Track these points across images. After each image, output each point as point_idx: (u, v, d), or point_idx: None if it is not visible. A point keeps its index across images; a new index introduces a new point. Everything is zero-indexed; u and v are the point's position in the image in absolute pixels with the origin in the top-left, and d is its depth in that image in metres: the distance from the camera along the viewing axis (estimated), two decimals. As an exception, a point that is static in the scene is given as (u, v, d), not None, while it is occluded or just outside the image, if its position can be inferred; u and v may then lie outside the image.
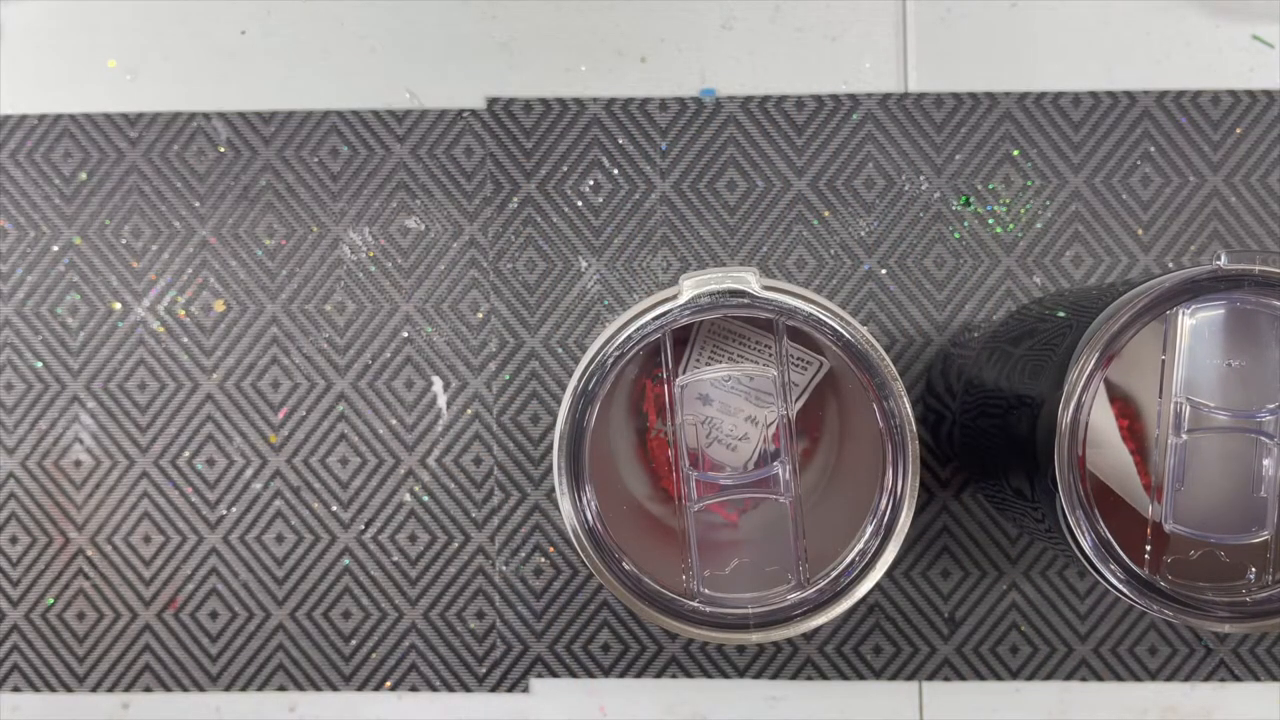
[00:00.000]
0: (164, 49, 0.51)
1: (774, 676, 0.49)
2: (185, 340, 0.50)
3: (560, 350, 0.49)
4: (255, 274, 0.50)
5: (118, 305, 0.50)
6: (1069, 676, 0.48)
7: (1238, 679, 0.48)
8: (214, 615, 0.50)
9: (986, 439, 0.41)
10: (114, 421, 0.50)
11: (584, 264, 0.49)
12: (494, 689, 0.49)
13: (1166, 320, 0.32)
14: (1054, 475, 0.32)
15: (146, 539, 0.50)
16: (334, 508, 0.50)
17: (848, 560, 0.36)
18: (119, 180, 0.50)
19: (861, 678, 0.49)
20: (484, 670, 0.49)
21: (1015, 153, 0.49)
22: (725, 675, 0.49)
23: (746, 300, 0.35)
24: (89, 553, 0.50)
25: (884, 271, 0.49)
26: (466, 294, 0.49)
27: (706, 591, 0.36)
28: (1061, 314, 0.37)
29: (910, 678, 0.49)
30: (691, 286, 0.35)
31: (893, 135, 0.49)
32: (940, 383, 0.48)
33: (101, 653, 0.50)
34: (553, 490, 0.46)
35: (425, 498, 0.49)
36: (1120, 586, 0.32)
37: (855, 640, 0.49)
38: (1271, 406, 0.33)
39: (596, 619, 0.49)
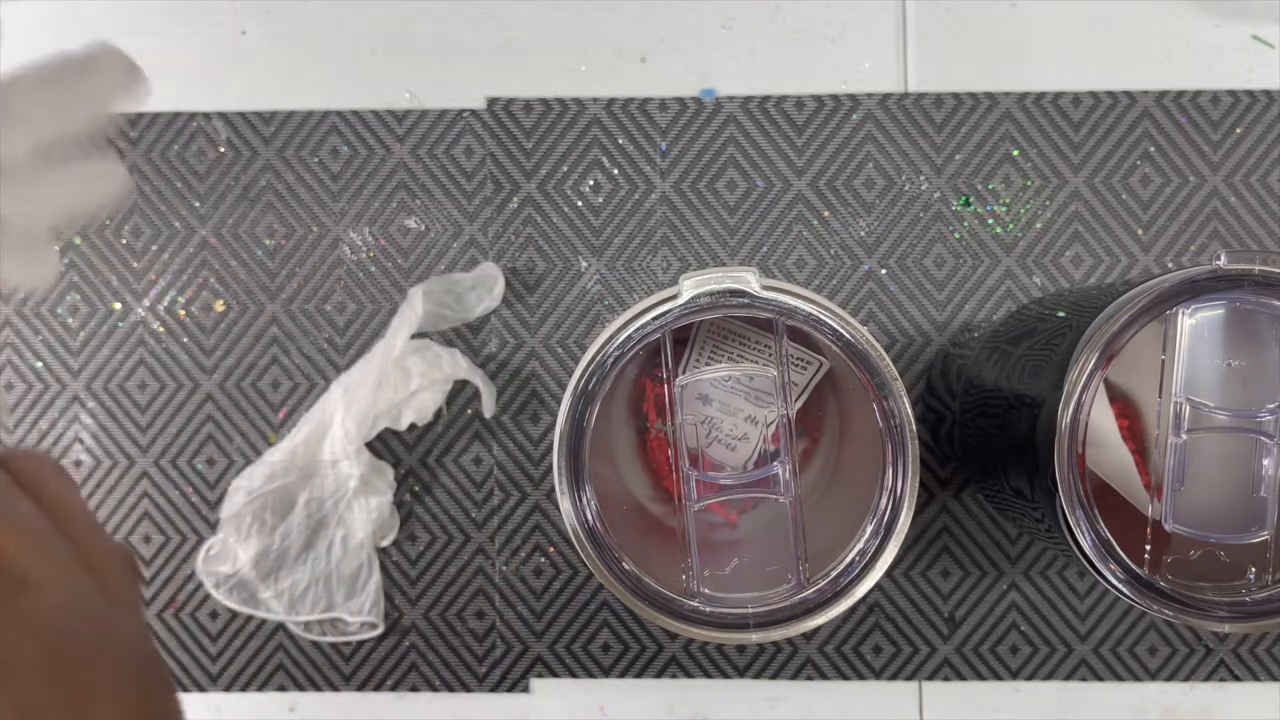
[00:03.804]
0: (164, 49, 0.51)
1: (774, 676, 0.49)
2: (185, 340, 0.50)
3: (560, 350, 0.49)
4: (255, 274, 0.50)
5: (118, 305, 0.50)
6: (1069, 676, 0.48)
7: (1238, 679, 0.48)
8: (214, 615, 0.50)
9: (986, 439, 0.41)
10: (114, 421, 0.50)
11: (584, 264, 0.49)
12: (494, 689, 0.49)
13: (1166, 320, 0.32)
14: (1054, 475, 0.32)
15: (146, 539, 0.50)
16: (334, 508, 0.50)
17: (848, 560, 0.36)
18: (119, 180, 0.50)
19: (861, 678, 0.49)
20: (484, 670, 0.49)
21: (1015, 153, 0.49)
22: (725, 675, 0.49)
23: (746, 300, 0.35)
24: (89, 553, 0.50)
25: (884, 271, 0.49)
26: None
27: (706, 591, 0.36)
28: (1061, 314, 0.37)
29: (910, 678, 0.49)
30: (691, 286, 0.35)
31: (893, 135, 0.49)
32: (940, 383, 0.48)
33: (101, 653, 0.50)
34: (553, 490, 0.46)
35: (425, 498, 0.49)
36: (1120, 586, 0.32)
37: (855, 640, 0.49)
38: (1271, 406, 0.33)
39: (596, 619, 0.49)
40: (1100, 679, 0.48)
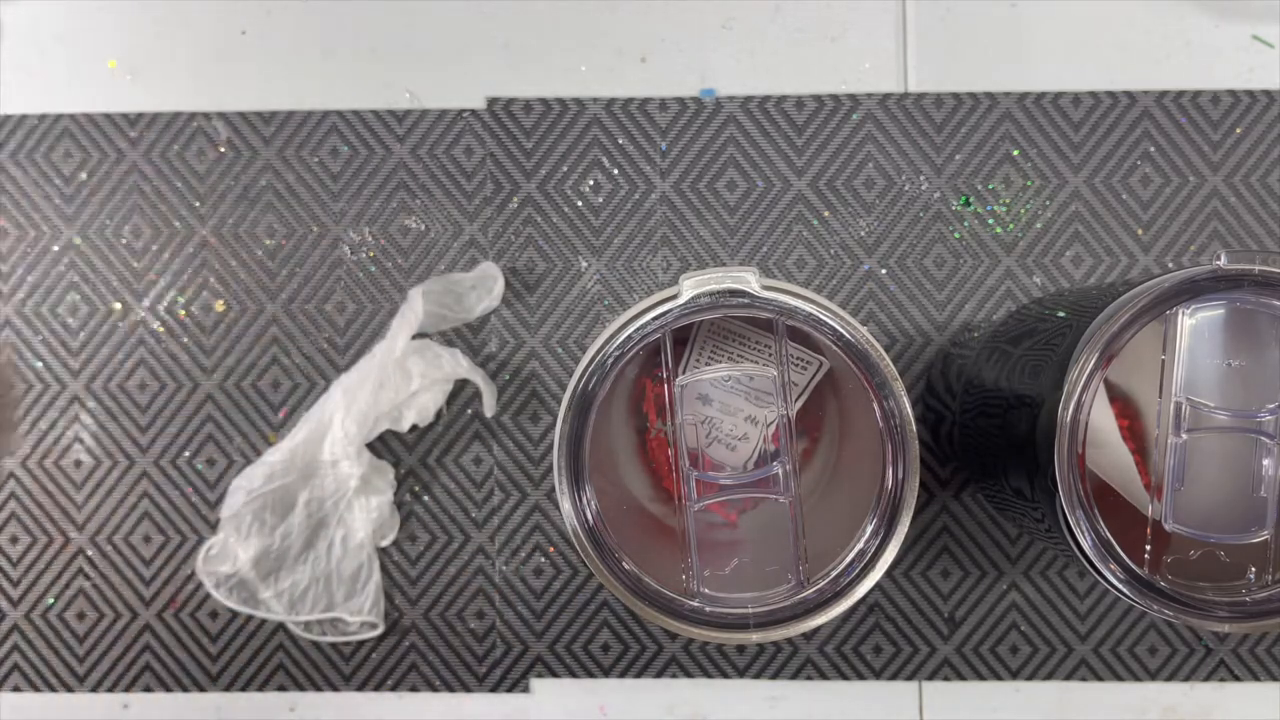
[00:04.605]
0: (164, 49, 0.51)
1: (774, 676, 0.49)
2: (185, 340, 0.50)
3: (560, 350, 0.49)
4: (255, 274, 0.50)
5: (118, 305, 0.50)
6: (1069, 676, 0.48)
7: (1238, 679, 0.48)
8: (214, 615, 0.50)
9: (986, 439, 0.41)
10: (114, 421, 0.50)
11: (584, 264, 0.49)
12: (494, 689, 0.49)
13: (1166, 320, 0.32)
14: (1054, 475, 0.32)
15: (146, 539, 0.50)
16: (334, 508, 0.50)
17: (848, 560, 0.36)
18: (119, 180, 0.50)
19: (861, 678, 0.49)
20: (484, 670, 0.49)
21: (1015, 153, 0.49)
22: (725, 675, 0.49)
23: (746, 300, 0.35)
24: (89, 553, 0.50)
25: (884, 271, 0.49)
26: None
27: (706, 591, 0.36)
28: (1061, 314, 0.37)
29: (910, 678, 0.49)
30: (691, 286, 0.35)
31: (893, 135, 0.49)
32: (940, 383, 0.48)
33: (101, 653, 0.50)
34: (553, 490, 0.46)
35: (425, 498, 0.49)
36: (1120, 586, 0.32)
37: (855, 640, 0.49)
38: (1271, 406, 0.33)
39: (596, 619, 0.49)
40: (1100, 679, 0.48)
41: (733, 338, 0.42)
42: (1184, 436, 0.32)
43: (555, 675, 0.49)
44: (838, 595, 0.35)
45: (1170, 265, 0.49)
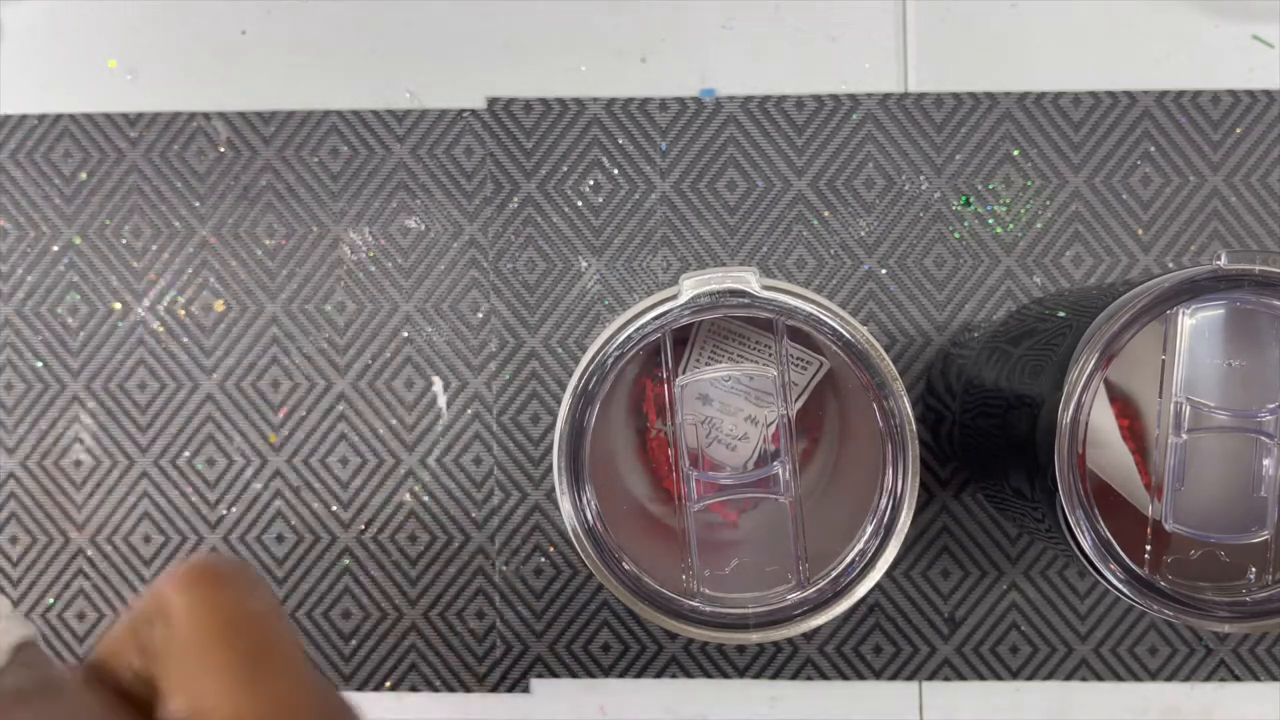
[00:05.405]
0: (164, 49, 0.51)
1: (774, 676, 0.49)
2: (185, 340, 0.50)
3: (560, 350, 0.49)
4: (255, 274, 0.50)
5: (118, 305, 0.50)
6: (1069, 676, 0.48)
7: (1238, 679, 0.48)
8: (214, 615, 0.50)
9: (986, 439, 0.41)
10: (114, 421, 0.50)
11: (584, 264, 0.49)
12: (494, 689, 0.49)
13: (1166, 320, 0.32)
14: (1054, 475, 0.32)
15: (146, 539, 0.50)
16: (334, 508, 0.50)
17: (848, 560, 0.36)
18: (119, 180, 0.50)
19: (861, 678, 0.49)
20: (484, 670, 0.49)
21: (1015, 153, 0.49)
22: (725, 675, 0.49)
23: (746, 300, 0.35)
24: (89, 553, 0.50)
25: (884, 271, 0.49)
26: (466, 294, 0.49)
27: (706, 591, 0.36)
28: (1061, 314, 0.37)
29: (910, 678, 0.49)
30: (691, 286, 0.35)
31: (893, 135, 0.49)
32: (940, 383, 0.48)
33: (101, 653, 0.50)
34: (553, 490, 0.46)
35: (425, 498, 0.49)
36: (1120, 586, 0.32)
37: (855, 640, 0.49)
38: (1271, 406, 0.33)
39: (596, 619, 0.49)
40: (1100, 679, 0.48)
41: (733, 338, 0.42)
42: (1184, 436, 0.32)
43: (555, 675, 0.49)
44: (838, 595, 0.35)
45: (1170, 265, 0.49)
